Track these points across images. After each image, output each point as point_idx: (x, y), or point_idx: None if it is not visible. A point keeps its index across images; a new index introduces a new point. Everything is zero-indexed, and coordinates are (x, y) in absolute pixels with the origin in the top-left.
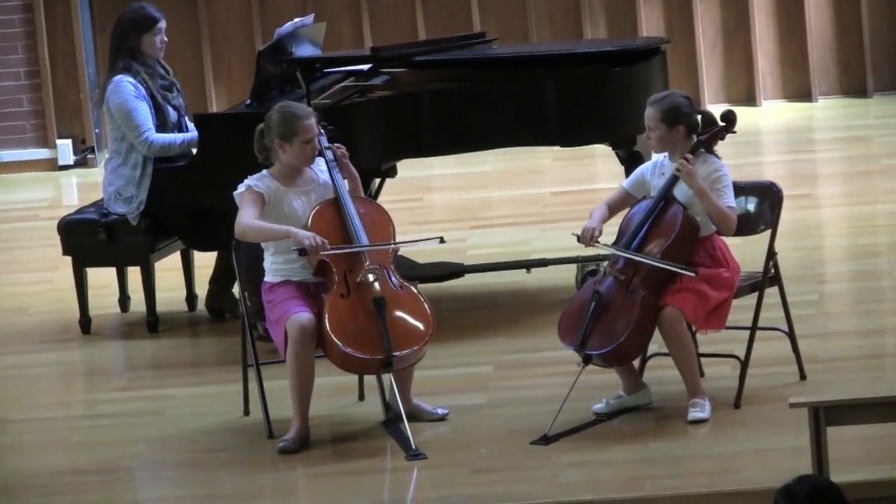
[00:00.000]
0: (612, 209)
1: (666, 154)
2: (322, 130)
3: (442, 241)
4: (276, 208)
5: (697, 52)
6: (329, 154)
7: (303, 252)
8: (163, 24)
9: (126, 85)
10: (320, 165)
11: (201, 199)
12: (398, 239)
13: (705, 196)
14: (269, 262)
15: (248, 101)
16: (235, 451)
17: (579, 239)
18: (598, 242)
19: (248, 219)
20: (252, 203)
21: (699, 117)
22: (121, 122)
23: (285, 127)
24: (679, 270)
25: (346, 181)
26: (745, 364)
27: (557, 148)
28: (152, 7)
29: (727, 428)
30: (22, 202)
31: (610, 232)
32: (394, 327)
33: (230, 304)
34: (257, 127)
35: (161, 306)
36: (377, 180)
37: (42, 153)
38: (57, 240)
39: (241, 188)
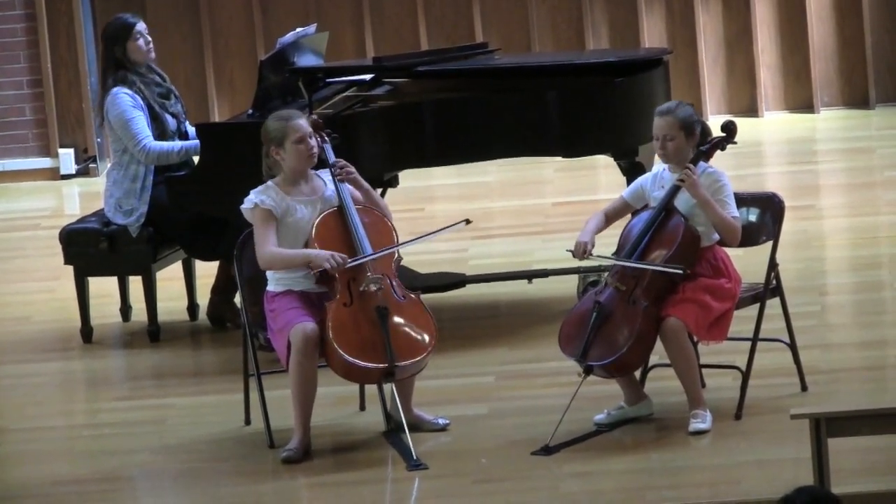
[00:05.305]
0: (609, 218)
1: (666, 166)
2: (327, 139)
3: (468, 222)
4: (282, 219)
5: (700, 64)
6: (334, 166)
7: (323, 275)
8: (141, 26)
9: (123, 96)
10: (327, 177)
11: (203, 208)
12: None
13: (709, 206)
14: (271, 272)
15: (250, 111)
16: (237, 460)
17: (574, 254)
18: (591, 255)
19: (269, 248)
20: (267, 225)
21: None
22: (120, 132)
23: (275, 132)
24: (666, 269)
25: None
26: (746, 375)
27: (559, 158)
28: (126, 14)
29: (728, 439)
30: (24, 211)
31: (610, 243)
32: (396, 337)
33: (232, 314)
34: (263, 148)
35: (162, 316)
36: (379, 190)
37: (44, 162)
38: (59, 249)
39: (247, 204)
